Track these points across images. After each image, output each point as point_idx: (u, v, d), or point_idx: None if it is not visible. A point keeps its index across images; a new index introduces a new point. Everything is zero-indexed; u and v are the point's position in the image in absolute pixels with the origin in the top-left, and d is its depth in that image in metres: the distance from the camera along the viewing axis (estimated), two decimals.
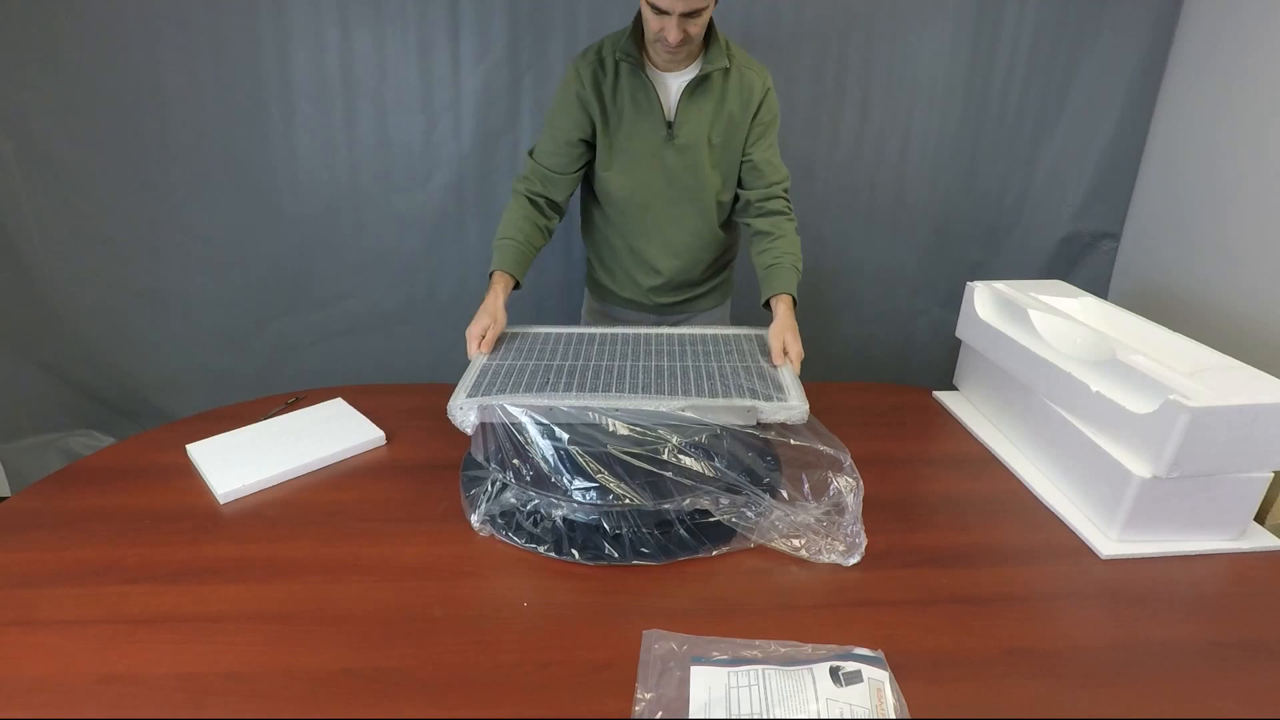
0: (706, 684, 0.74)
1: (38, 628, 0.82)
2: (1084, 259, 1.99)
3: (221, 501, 1.06)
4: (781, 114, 1.81)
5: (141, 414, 1.99)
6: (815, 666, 0.75)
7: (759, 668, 0.75)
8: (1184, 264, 1.73)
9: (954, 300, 1.50)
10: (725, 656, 0.77)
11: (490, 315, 1.19)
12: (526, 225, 1.29)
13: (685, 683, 0.74)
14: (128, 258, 1.81)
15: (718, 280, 1.51)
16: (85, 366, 1.91)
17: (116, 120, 1.68)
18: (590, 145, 1.30)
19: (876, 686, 0.73)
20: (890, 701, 0.72)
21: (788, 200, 1.35)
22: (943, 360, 1.62)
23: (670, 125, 1.25)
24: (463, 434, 1.15)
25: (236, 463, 1.13)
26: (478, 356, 1.16)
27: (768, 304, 1.27)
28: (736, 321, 1.60)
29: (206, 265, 1.85)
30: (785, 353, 1.15)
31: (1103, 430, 1.06)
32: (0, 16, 1.57)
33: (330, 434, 1.22)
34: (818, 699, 0.71)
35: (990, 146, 1.87)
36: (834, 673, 0.74)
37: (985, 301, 1.36)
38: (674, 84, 1.24)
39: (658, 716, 0.71)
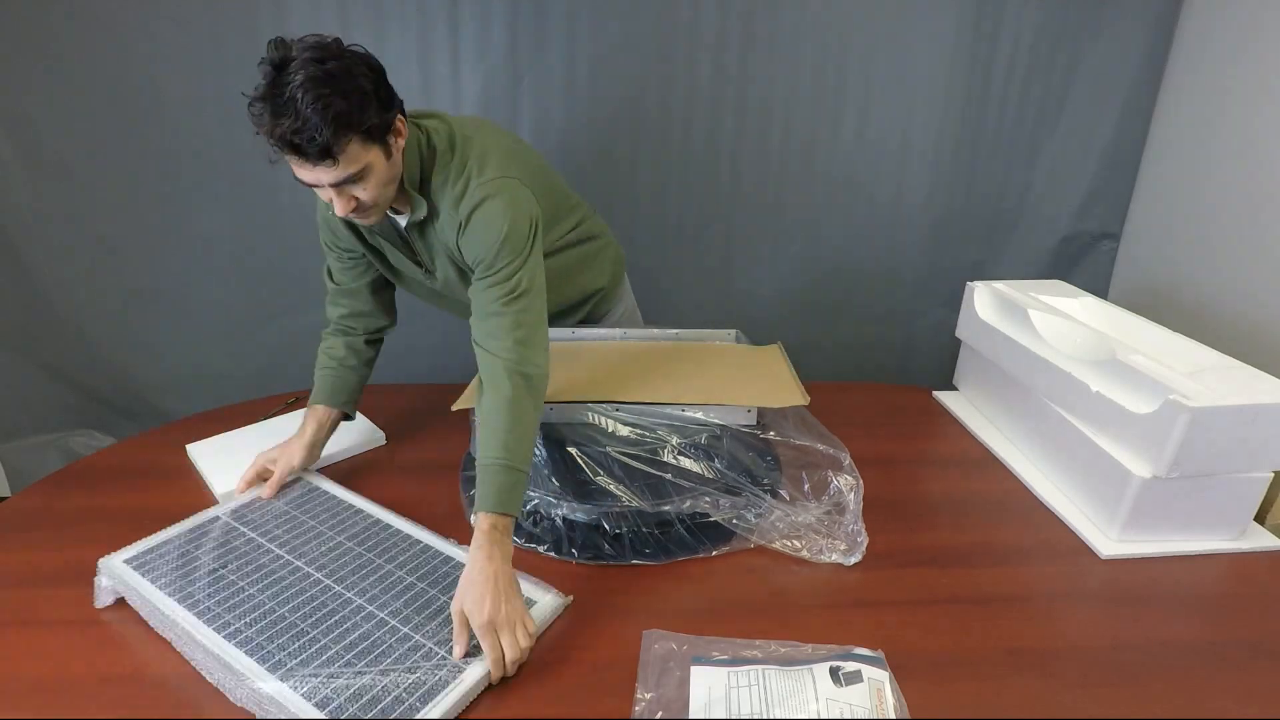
0: (706, 684, 0.74)
1: (38, 628, 0.82)
2: (1084, 259, 1.98)
3: (220, 501, 1.05)
4: (782, 114, 1.80)
5: (141, 414, 1.98)
6: (815, 666, 0.75)
7: (759, 668, 0.75)
8: (1184, 264, 1.73)
9: (954, 300, 1.49)
10: (725, 656, 0.77)
11: (286, 450, 1.06)
12: (338, 350, 1.15)
13: (685, 683, 0.74)
14: (128, 258, 1.81)
15: (592, 304, 1.35)
16: (85, 366, 1.91)
17: (116, 120, 1.68)
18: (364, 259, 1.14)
19: (876, 686, 0.73)
20: (890, 701, 0.72)
21: (503, 362, 0.93)
22: (943, 360, 1.62)
23: (420, 263, 1.09)
24: (463, 434, 1.15)
25: (236, 463, 1.13)
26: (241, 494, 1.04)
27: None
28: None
29: (206, 265, 1.84)
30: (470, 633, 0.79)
31: (1103, 430, 1.06)
32: (0, 16, 1.57)
33: None
34: (818, 699, 0.71)
35: (990, 146, 1.87)
36: (834, 673, 0.74)
37: (985, 301, 1.36)
38: (402, 224, 1.04)
39: (658, 716, 0.71)
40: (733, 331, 1.28)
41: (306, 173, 0.86)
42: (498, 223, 0.95)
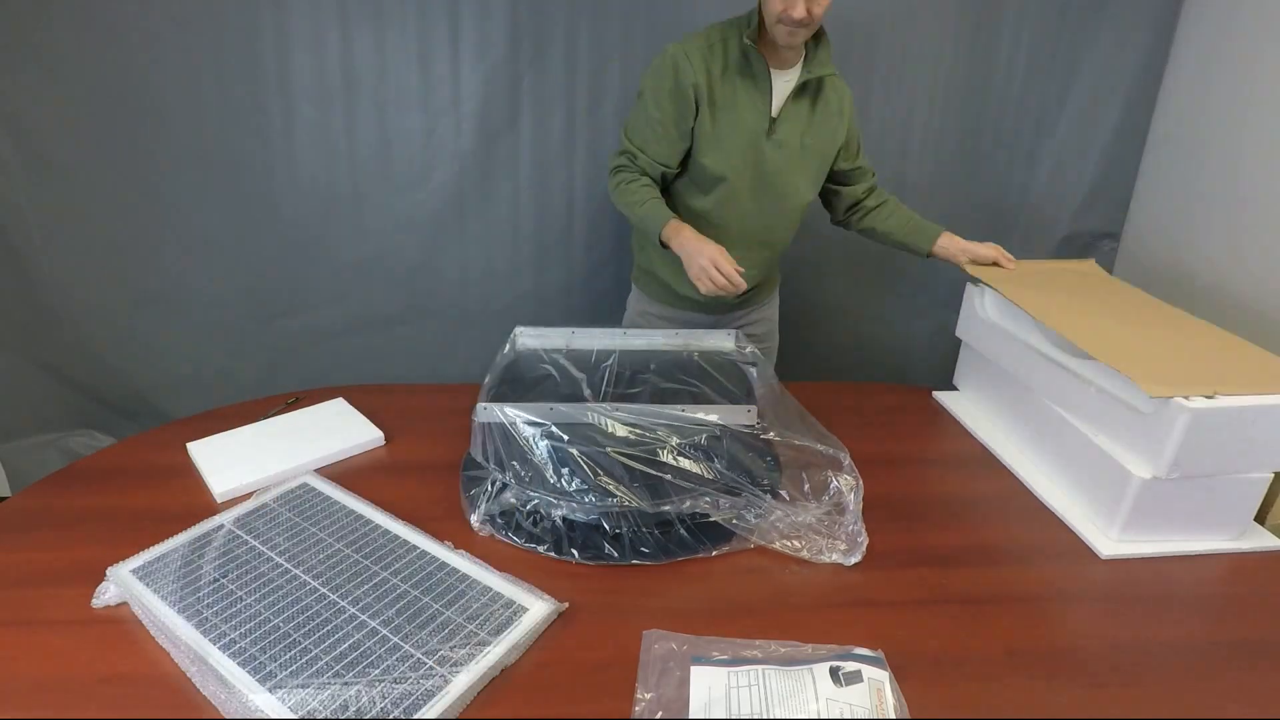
0: (706, 684, 0.74)
1: (38, 628, 0.82)
2: (1084, 259, 1.99)
3: (219, 501, 1.06)
4: None
5: (141, 414, 1.99)
6: (815, 666, 0.75)
7: (759, 668, 0.75)
8: (1184, 264, 1.73)
9: (954, 300, 1.49)
10: (725, 656, 0.77)
11: (704, 249, 1.19)
12: (654, 190, 1.30)
13: (685, 683, 0.74)
14: (128, 258, 1.81)
15: (771, 272, 1.54)
16: (85, 366, 1.91)
17: (116, 120, 1.68)
18: (690, 130, 1.28)
19: (876, 686, 0.73)
20: (890, 701, 0.72)
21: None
22: (943, 360, 1.62)
23: (773, 121, 1.27)
24: (462, 435, 1.15)
25: (235, 462, 1.13)
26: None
27: (929, 253, 1.46)
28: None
29: (206, 265, 1.84)
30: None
31: (1103, 430, 1.06)
32: None
33: (330, 434, 1.22)
34: (818, 699, 0.71)
35: (990, 146, 1.87)
36: (834, 673, 0.74)
37: (985, 301, 1.36)
38: (779, 82, 1.26)
39: (658, 716, 0.71)
40: (732, 332, 1.28)
41: None
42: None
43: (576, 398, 1.04)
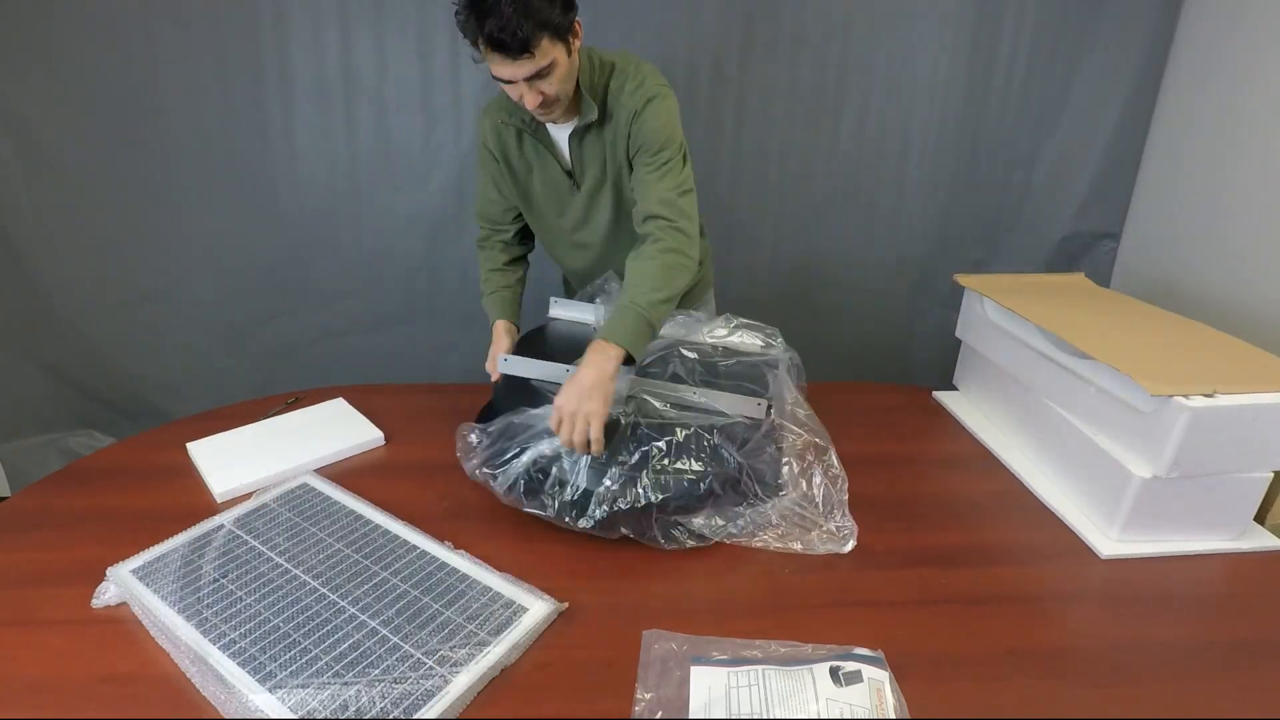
0: (706, 684, 0.74)
1: (38, 628, 0.82)
2: (1084, 259, 1.98)
3: (219, 501, 1.06)
4: (782, 114, 1.80)
5: (141, 414, 1.99)
6: (815, 666, 0.75)
7: (759, 668, 0.75)
8: (1184, 264, 1.73)
9: (954, 300, 1.49)
10: (725, 656, 0.77)
11: (499, 346, 1.22)
12: (499, 277, 1.33)
13: (685, 683, 0.74)
14: (128, 258, 1.81)
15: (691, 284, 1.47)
16: (85, 366, 1.91)
17: (116, 120, 1.68)
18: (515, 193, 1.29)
19: (876, 686, 0.73)
20: (890, 701, 0.72)
21: (662, 222, 1.11)
22: (943, 360, 1.62)
23: (571, 174, 1.22)
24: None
25: (235, 462, 1.13)
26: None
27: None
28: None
29: (206, 265, 1.84)
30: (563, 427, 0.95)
31: (1103, 430, 1.06)
32: (0, 16, 1.57)
33: (329, 434, 1.22)
34: (818, 699, 0.71)
35: (990, 146, 1.87)
36: (834, 673, 0.74)
37: (985, 302, 1.36)
38: (563, 134, 1.19)
39: (658, 716, 0.71)
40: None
41: (506, 68, 1.00)
42: (667, 119, 1.13)
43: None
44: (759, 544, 0.98)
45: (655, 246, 1.08)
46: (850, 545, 0.98)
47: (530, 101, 1.04)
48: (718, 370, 1.13)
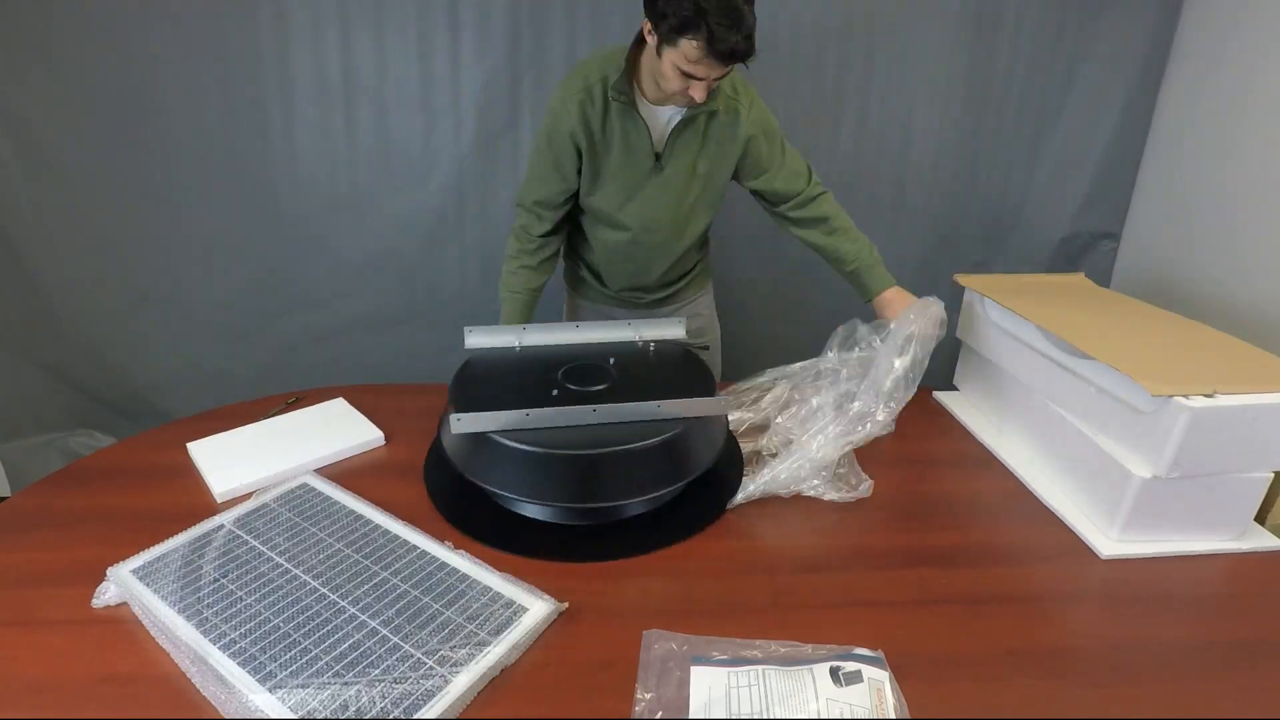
0: (706, 684, 0.74)
1: (38, 628, 0.82)
2: (1084, 259, 1.98)
3: (219, 501, 1.06)
4: (782, 114, 1.80)
5: (141, 414, 1.99)
6: (815, 666, 0.75)
7: (759, 668, 0.75)
8: (1184, 264, 1.72)
9: (954, 300, 1.49)
10: (725, 656, 0.77)
11: None
12: (534, 271, 1.36)
13: (685, 683, 0.74)
14: (128, 258, 1.81)
15: (697, 272, 1.53)
16: (85, 366, 1.91)
17: (116, 120, 1.68)
18: (578, 173, 1.30)
19: (876, 686, 0.73)
20: (890, 701, 0.72)
21: (815, 187, 1.38)
22: (943, 360, 1.62)
23: (659, 157, 1.25)
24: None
25: (235, 462, 1.13)
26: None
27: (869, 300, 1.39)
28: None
29: (206, 265, 1.84)
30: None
31: (1103, 430, 1.06)
32: (0, 16, 1.57)
33: (329, 434, 1.22)
34: (818, 699, 0.71)
35: (990, 146, 1.87)
36: (834, 673, 0.74)
37: (985, 303, 1.36)
38: (664, 116, 1.23)
39: (658, 716, 0.71)
40: (681, 320, 1.28)
41: (712, 69, 1.07)
42: (772, 124, 1.33)
43: (544, 400, 1.04)
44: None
45: (836, 216, 1.39)
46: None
47: (702, 95, 1.11)
48: (647, 360, 1.20)
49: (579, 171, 1.29)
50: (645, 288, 1.46)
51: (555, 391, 1.07)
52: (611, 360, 1.16)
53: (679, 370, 1.18)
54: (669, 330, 1.26)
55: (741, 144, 1.27)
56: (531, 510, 1.03)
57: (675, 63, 1.07)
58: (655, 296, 1.50)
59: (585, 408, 1.00)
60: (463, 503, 1.04)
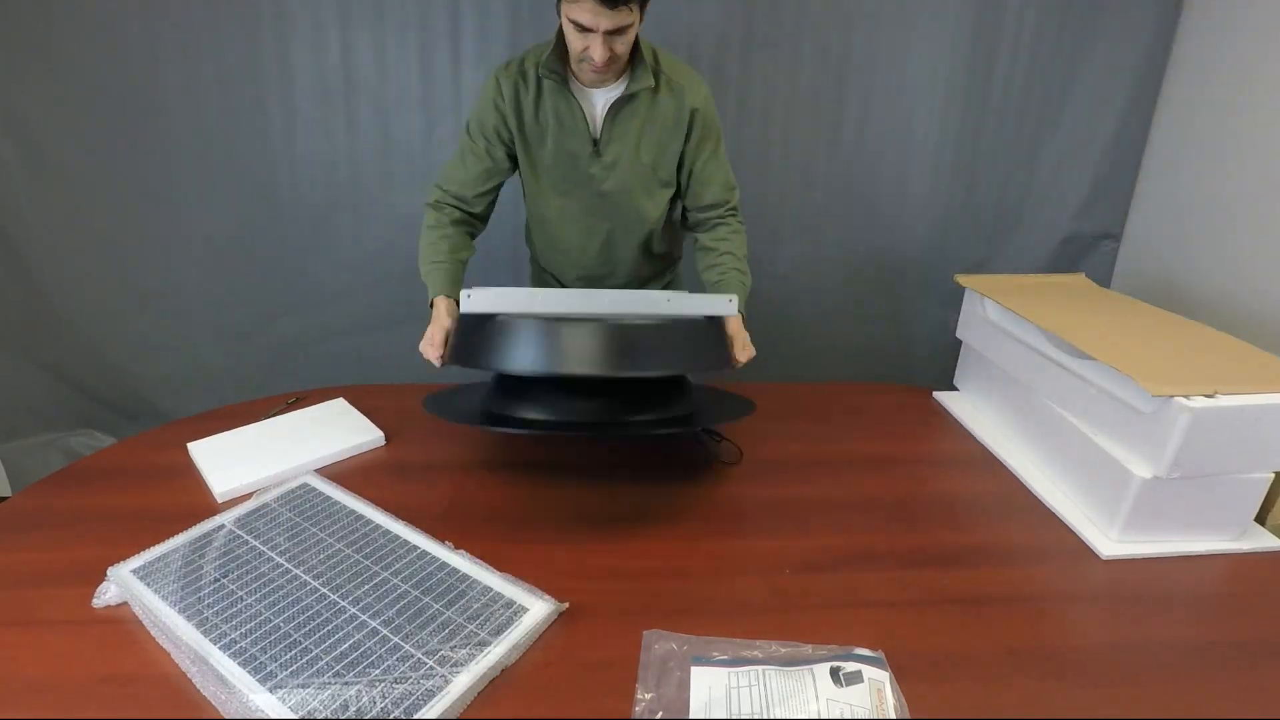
0: (707, 684, 0.74)
1: (38, 628, 0.82)
2: (1084, 259, 1.99)
3: (220, 500, 1.06)
4: (783, 114, 1.81)
5: (141, 414, 1.99)
6: (815, 667, 0.75)
7: (759, 668, 0.75)
8: (1185, 265, 1.73)
9: (954, 300, 1.50)
10: (725, 656, 0.77)
11: (437, 323, 1.15)
12: (448, 243, 1.25)
13: (685, 683, 0.74)
14: (128, 258, 1.81)
15: (663, 282, 1.50)
16: (85, 366, 1.91)
17: (117, 120, 1.68)
18: (509, 159, 1.26)
19: (877, 687, 0.73)
20: (890, 702, 0.72)
21: (734, 212, 1.32)
22: (943, 360, 1.62)
23: (596, 143, 1.21)
24: (462, 435, 1.15)
25: (235, 462, 1.13)
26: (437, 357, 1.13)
27: None
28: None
29: (206, 265, 1.84)
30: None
31: (1103, 430, 1.06)
32: (0, 16, 1.57)
33: (330, 434, 1.22)
34: (818, 699, 0.71)
35: (990, 147, 1.87)
36: (834, 673, 0.74)
37: (985, 303, 1.36)
38: (600, 100, 1.19)
39: (658, 716, 0.71)
40: (732, 297, 1.20)
41: (594, 17, 1.02)
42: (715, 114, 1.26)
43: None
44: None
45: (735, 234, 1.30)
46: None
47: (599, 55, 1.05)
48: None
49: (510, 159, 1.25)
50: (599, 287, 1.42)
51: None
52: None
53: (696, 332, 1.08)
54: (718, 308, 1.06)
55: (686, 119, 1.21)
56: (530, 395, 1.01)
57: (569, 15, 1.04)
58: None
59: (596, 292, 1.02)
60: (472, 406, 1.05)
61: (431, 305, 1.21)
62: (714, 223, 1.31)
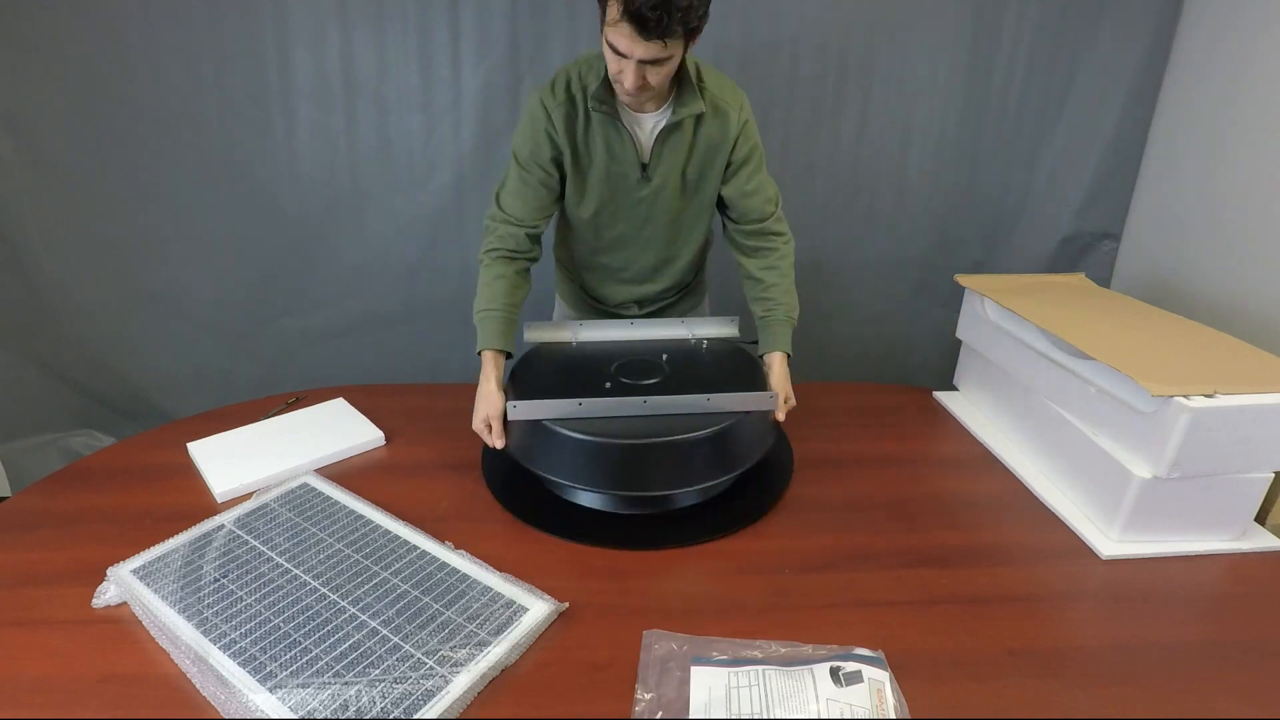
0: (706, 684, 0.74)
1: (38, 628, 0.82)
2: (1084, 259, 1.98)
3: (220, 500, 1.06)
4: (783, 115, 1.81)
5: (141, 414, 1.99)
6: (815, 666, 0.75)
7: (759, 668, 0.75)
8: (1184, 265, 1.72)
9: (954, 300, 1.49)
10: (725, 656, 0.78)
11: (487, 403, 1.11)
12: (505, 284, 1.21)
13: (685, 683, 0.74)
14: (128, 258, 1.81)
15: (691, 284, 1.50)
16: (85, 366, 1.91)
17: (116, 120, 1.68)
18: (563, 179, 1.24)
19: (876, 687, 0.73)
20: (890, 702, 0.72)
21: (779, 223, 1.30)
22: (943, 360, 1.62)
23: (645, 166, 1.20)
24: (462, 435, 1.15)
25: (235, 462, 1.13)
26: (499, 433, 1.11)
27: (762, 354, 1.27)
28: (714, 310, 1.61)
29: (206, 265, 1.84)
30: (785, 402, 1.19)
31: (1103, 430, 1.06)
32: (0, 16, 1.57)
33: (330, 434, 1.22)
34: (818, 699, 0.71)
35: (990, 146, 1.87)
36: (834, 673, 0.74)
37: (985, 303, 1.36)
38: (649, 124, 1.18)
39: (658, 716, 0.71)
40: (734, 319, 1.31)
41: (630, 44, 0.97)
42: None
43: (597, 391, 1.08)
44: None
45: (784, 260, 1.29)
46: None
47: (631, 83, 1.02)
48: (700, 357, 1.23)
49: (562, 180, 1.24)
50: (640, 300, 1.43)
51: (608, 384, 1.10)
52: (664, 356, 1.20)
53: (731, 367, 1.20)
54: (722, 329, 1.31)
55: (731, 141, 1.20)
56: (585, 499, 1.06)
57: (608, 39, 1.01)
58: (650, 310, 1.46)
59: (636, 399, 1.04)
60: (516, 488, 1.09)
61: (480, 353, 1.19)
62: (758, 248, 1.29)
